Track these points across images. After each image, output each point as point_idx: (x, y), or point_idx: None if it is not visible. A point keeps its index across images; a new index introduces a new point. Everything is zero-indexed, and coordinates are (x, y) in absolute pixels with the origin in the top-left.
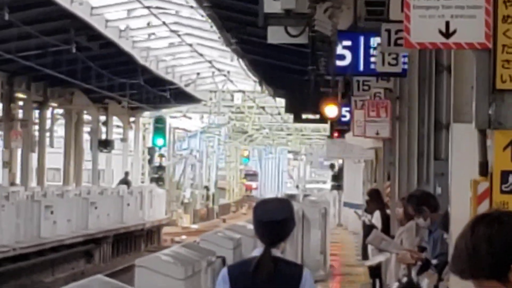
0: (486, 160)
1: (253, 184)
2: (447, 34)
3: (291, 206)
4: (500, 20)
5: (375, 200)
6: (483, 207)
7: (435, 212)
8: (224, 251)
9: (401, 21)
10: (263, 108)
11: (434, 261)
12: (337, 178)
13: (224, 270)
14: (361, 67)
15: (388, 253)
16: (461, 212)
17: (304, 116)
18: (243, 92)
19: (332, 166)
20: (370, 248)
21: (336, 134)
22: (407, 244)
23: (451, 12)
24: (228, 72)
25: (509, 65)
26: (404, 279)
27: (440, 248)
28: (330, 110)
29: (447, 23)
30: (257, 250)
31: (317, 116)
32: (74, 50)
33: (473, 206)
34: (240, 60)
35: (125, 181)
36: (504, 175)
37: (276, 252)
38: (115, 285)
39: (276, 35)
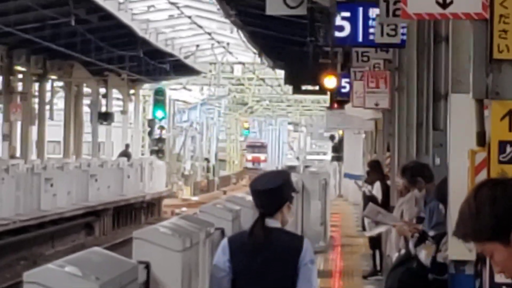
0: (483, 130)
1: (261, 156)
2: (444, 4)
3: (287, 175)
4: None
5: (375, 171)
6: (481, 177)
7: (430, 182)
8: (223, 222)
9: None
10: (263, 79)
11: (431, 232)
12: (337, 149)
13: (225, 241)
14: (360, 38)
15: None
16: (459, 182)
17: (303, 87)
18: (243, 64)
19: (332, 138)
20: (366, 221)
21: (335, 105)
22: (407, 215)
23: None
24: (228, 44)
25: (506, 35)
26: (402, 251)
27: (436, 218)
28: (329, 81)
29: None
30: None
31: (317, 87)
32: (73, 23)
33: (470, 176)
34: (240, 31)
35: (125, 154)
36: (502, 145)
37: (272, 222)
38: (112, 257)
39: (274, 7)
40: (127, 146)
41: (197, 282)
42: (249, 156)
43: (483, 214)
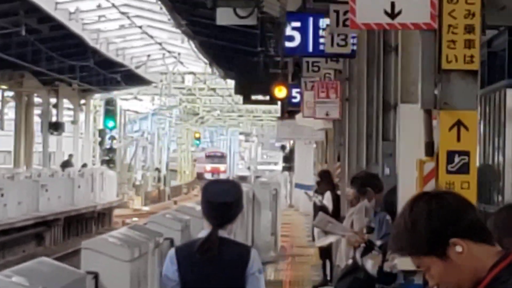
0: (432, 140)
1: (221, 167)
2: (392, 14)
3: (241, 188)
4: (446, 1)
5: (325, 181)
6: (430, 187)
7: (380, 192)
8: (172, 232)
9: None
10: (213, 89)
11: (378, 242)
12: (288, 159)
13: (172, 251)
14: (310, 48)
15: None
16: (408, 192)
17: (254, 97)
18: (194, 74)
19: (283, 148)
20: (316, 230)
21: (286, 115)
22: (357, 225)
23: None
24: (179, 54)
25: (454, 46)
26: (350, 261)
27: (385, 228)
28: (280, 91)
29: (393, 4)
30: (204, 232)
31: (267, 97)
32: (23, 33)
33: (419, 186)
34: (191, 41)
35: (66, 164)
36: (450, 155)
37: (223, 233)
38: (60, 267)
39: (225, 17)
40: (70, 156)
41: None
42: (208, 167)
43: (419, 228)
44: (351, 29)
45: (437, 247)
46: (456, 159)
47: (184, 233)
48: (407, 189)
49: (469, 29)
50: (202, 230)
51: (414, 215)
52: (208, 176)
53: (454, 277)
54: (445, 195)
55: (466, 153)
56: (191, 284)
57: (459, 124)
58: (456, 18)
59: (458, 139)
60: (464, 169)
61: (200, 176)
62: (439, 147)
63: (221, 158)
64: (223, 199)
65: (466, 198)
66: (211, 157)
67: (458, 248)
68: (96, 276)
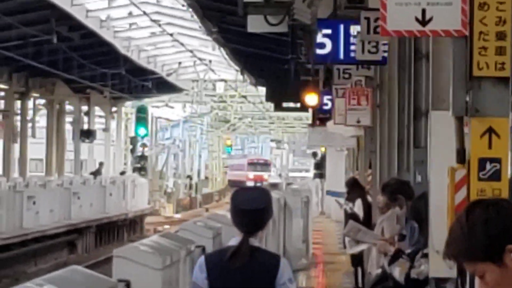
0: (463, 147)
1: (265, 175)
2: (423, 21)
3: (270, 195)
4: (477, 7)
5: (354, 188)
6: (461, 195)
7: (411, 199)
8: (203, 240)
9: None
10: (245, 97)
11: (408, 250)
12: (320, 166)
13: (202, 259)
14: (341, 56)
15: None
16: (439, 199)
17: (285, 104)
18: (225, 81)
19: (314, 155)
20: (347, 239)
21: (318, 123)
22: (388, 233)
23: (428, 0)
24: (210, 61)
25: (485, 52)
26: (379, 270)
27: (417, 236)
28: (311, 98)
29: (423, 11)
30: (235, 239)
31: (298, 105)
32: (55, 41)
33: (450, 193)
34: (222, 49)
35: (97, 172)
36: (482, 162)
37: (253, 241)
38: (92, 275)
39: (256, 24)
40: (100, 164)
41: None
42: (251, 175)
43: (476, 234)
44: (381, 36)
45: (493, 253)
46: (488, 166)
47: (216, 240)
48: (438, 196)
49: (501, 36)
50: (232, 238)
51: (471, 221)
52: (251, 183)
53: (509, 284)
54: (501, 202)
55: (498, 160)
56: None
57: (490, 131)
58: (487, 25)
59: (490, 146)
60: (495, 176)
61: (234, 183)
62: (470, 154)
63: (265, 166)
64: (252, 206)
65: None
66: (253, 165)
67: None
68: (128, 284)
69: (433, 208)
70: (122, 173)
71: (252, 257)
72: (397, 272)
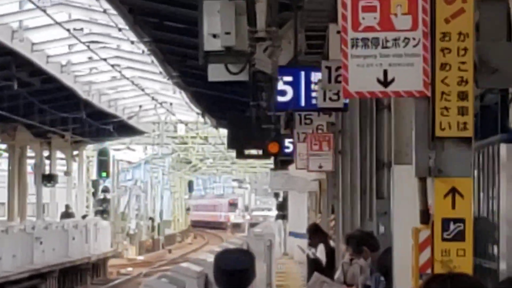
0: (427, 208)
1: (231, 216)
2: (385, 82)
3: (253, 257)
4: (438, 68)
5: (316, 234)
6: (425, 255)
7: (375, 251)
8: None
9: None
10: (206, 138)
11: None
12: (282, 207)
13: None
14: (303, 103)
15: None
16: (403, 254)
17: (246, 151)
18: (186, 124)
19: (276, 195)
20: None
21: (279, 165)
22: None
23: (389, 61)
24: (171, 104)
25: (448, 113)
26: None
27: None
28: (272, 146)
29: (385, 72)
30: None
31: (260, 152)
32: (15, 87)
33: (415, 254)
34: (182, 92)
35: (67, 214)
36: (445, 222)
37: None
38: None
39: (216, 73)
40: (67, 206)
41: None
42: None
43: None
44: (344, 97)
45: None
46: (452, 226)
47: None
48: (402, 251)
49: (463, 96)
50: None
51: None
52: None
53: None
54: (458, 277)
55: (462, 221)
56: None
57: (454, 191)
58: (449, 85)
59: (453, 207)
60: (459, 236)
61: (200, 224)
62: (434, 215)
63: (234, 206)
64: (236, 267)
65: (477, 279)
66: (234, 205)
67: None
68: None
69: (397, 263)
70: (84, 216)
71: None
72: None
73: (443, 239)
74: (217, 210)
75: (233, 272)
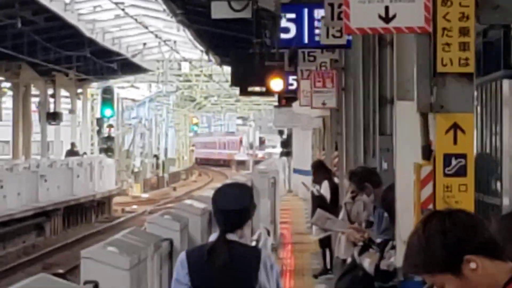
0: (428, 143)
1: (259, 154)
2: (387, 18)
3: (251, 193)
4: (440, 4)
5: (320, 171)
6: (427, 191)
7: (378, 187)
8: (171, 233)
9: None
10: (210, 76)
11: (378, 240)
12: (286, 144)
13: (183, 255)
14: (306, 40)
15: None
16: (405, 190)
17: (250, 89)
18: (190, 61)
19: (281, 133)
20: (314, 228)
21: (284, 102)
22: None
23: None
24: (175, 42)
25: (449, 48)
26: (349, 260)
27: (384, 224)
28: (276, 84)
29: (387, 8)
30: (214, 235)
31: (263, 89)
32: (19, 25)
33: (416, 189)
34: (186, 30)
35: (72, 152)
36: (447, 158)
37: (232, 236)
38: (59, 283)
39: (219, 10)
40: (72, 144)
41: None
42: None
43: (433, 246)
44: (345, 34)
45: (451, 264)
46: (453, 162)
47: (183, 233)
48: (404, 187)
49: (464, 31)
50: (202, 228)
51: (428, 233)
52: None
53: None
54: (457, 213)
55: (463, 156)
56: None
57: (455, 127)
58: (450, 21)
59: (455, 142)
60: (461, 171)
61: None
62: (435, 151)
63: (263, 144)
64: (232, 207)
65: (478, 216)
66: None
67: (473, 265)
68: (96, 285)
69: (400, 199)
70: (84, 154)
71: (231, 252)
72: (367, 263)
73: (445, 175)
74: (222, 148)
75: (228, 211)
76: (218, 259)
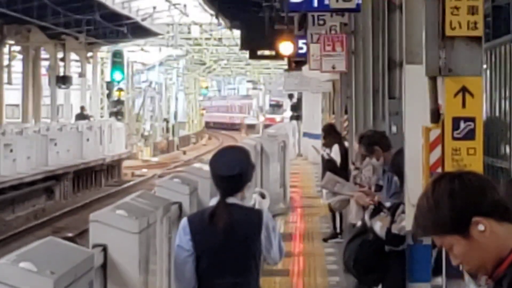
0: (437, 107)
1: (277, 118)
2: None
3: (248, 156)
4: None
5: (331, 134)
6: (436, 154)
7: (388, 151)
8: (180, 196)
9: None
10: (220, 39)
11: (388, 203)
12: (296, 108)
13: (184, 221)
14: (316, 3)
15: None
16: (414, 154)
17: (259, 52)
18: (200, 25)
19: (290, 96)
20: (324, 191)
21: (294, 66)
22: (365, 183)
23: None
24: (185, 5)
25: (458, 12)
26: (359, 223)
27: (394, 188)
28: (286, 47)
29: None
30: (215, 199)
31: (273, 53)
32: None
33: (425, 153)
34: None
35: (82, 116)
36: (456, 121)
37: (233, 199)
38: (67, 247)
39: None
40: (82, 108)
41: (155, 260)
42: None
43: (442, 207)
44: None
45: (460, 225)
46: (462, 125)
47: (192, 196)
48: (413, 151)
49: None
50: (213, 198)
51: (437, 195)
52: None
53: (476, 255)
54: (467, 175)
55: (472, 119)
56: (206, 253)
57: (464, 90)
58: None
59: (464, 106)
60: (470, 135)
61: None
62: (444, 114)
63: (278, 106)
64: (229, 172)
65: (488, 178)
66: (271, 106)
67: (481, 227)
68: (104, 248)
69: (409, 162)
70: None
71: (233, 215)
72: (378, 226)
73: (454, 138)
74: (232, 111)
75: (225, 177)
76: (219, 223)
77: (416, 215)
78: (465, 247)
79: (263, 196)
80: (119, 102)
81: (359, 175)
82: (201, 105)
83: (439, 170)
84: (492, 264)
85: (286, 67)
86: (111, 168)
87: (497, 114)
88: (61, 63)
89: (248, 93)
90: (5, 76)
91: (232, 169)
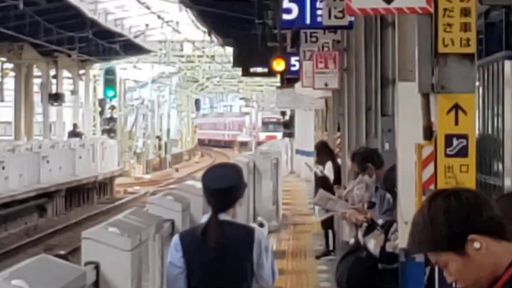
0: (430, 124)
1: (278, 135)
2: None
3: (240, 172)
4: None
5: (324, 152)
6: (428, 171)
7: (380, 168)
8: (173, 214)
9: None
10: (212, 57)
11: (380, 220)
12: (288, 125)
13: (176, 238)
14: (308, 20)
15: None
16: (407, 171)
17: (252, 69)
18: (193, 42)
19: (283, 114)
20: (317, 208)
21: (286, 83)
22: (357, 200)
23: None
24: (177, 22)
25: (450, 29)
26: (352, 241)
27: (387, 205)
28: (278, 64)
29: None
30: (206, 216)
31: (266, 70)
32: (21, 6)
33: (418, 170)
34: (188, 10)
35: (74, 133)
36: (448, 138)
37: (224, 216)
38: (60, 264)
39: None
40: (75, 125)
41: (148, 277)
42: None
43: (438, 224)
44: (347, 14)
45: (455, 243)
46: (455, 142)
47: (185, 213)
48: (406, 168)
49: (465, 12)
50: (204, 215)
51: (433, 212)
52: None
53: (472, 273)
54: (463, 192)
55: (465, 137)
56: (198, 269)
57: (456, 107)
58: (451, 1)
59: (456, 123)
60: (462, 152)
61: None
62: (437, 131)
63: (276, 124)
64: (220, 185)
65: (484, 195)
66: (266, 124)
67: (476, 245)
68: (97, 266)
69: (401, 179)
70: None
71: (224, 232)
72: (372, 244)
73: (446, 155)
74: (224, 129)
75: (217, 190)
76: (211, 240)
77: (412, 231)
78: (460, 264)
79: (261, 225)
80: (111, 119)
81: (350, 194)
82: (194, 123)
83: (432, 187)
84: (487, 282)
85: (279, 84)
86: (104, 185)
87: (489, 131)
88: (54, 80)
89: (241, 110)
90: None
91: (224, 183)
